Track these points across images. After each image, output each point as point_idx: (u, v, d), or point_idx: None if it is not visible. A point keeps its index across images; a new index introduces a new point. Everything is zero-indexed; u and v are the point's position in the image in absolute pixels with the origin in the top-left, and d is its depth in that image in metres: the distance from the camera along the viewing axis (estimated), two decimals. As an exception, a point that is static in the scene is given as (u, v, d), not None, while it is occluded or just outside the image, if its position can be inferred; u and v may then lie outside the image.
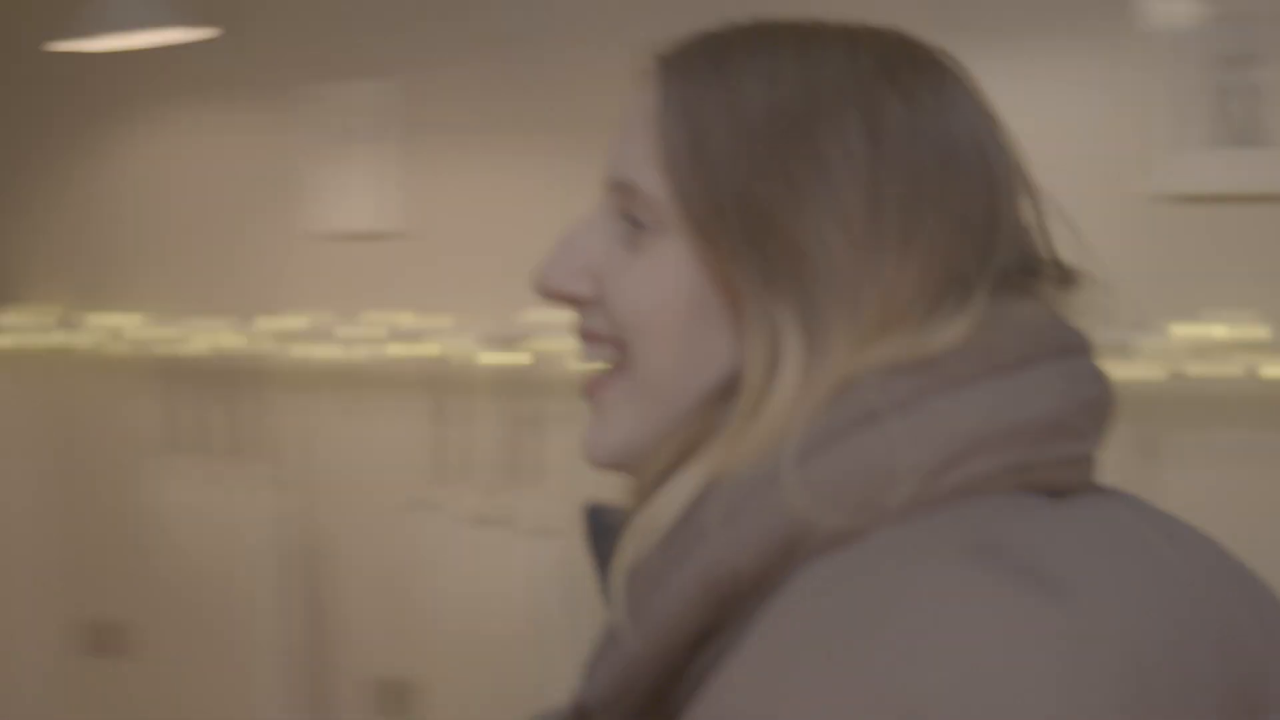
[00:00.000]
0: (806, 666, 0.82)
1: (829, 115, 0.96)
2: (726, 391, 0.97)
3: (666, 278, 0.99)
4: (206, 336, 4.05)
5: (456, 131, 3.71)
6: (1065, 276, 1.01)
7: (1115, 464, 1.07)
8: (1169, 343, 2.75)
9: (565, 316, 1.06)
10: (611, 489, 1.03)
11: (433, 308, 3.70)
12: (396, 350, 3.72)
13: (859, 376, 0.93)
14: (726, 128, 0.97)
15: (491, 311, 3.57)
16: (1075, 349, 0.99)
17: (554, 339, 3.39)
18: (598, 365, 1.03)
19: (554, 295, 1.04)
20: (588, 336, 1.04)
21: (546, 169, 3.54)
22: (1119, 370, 1.15)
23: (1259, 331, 2.71)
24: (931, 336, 0.94)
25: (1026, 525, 0.89)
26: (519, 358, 3.51)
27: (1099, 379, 0.99)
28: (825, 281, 0.94)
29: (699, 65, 1.00)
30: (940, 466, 0.90)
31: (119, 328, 4.24)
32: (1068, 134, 2.85)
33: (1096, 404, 0.98)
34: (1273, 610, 0.96)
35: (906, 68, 0.99)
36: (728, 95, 0.98)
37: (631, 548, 0.95)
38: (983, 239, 0.98)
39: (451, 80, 3.67)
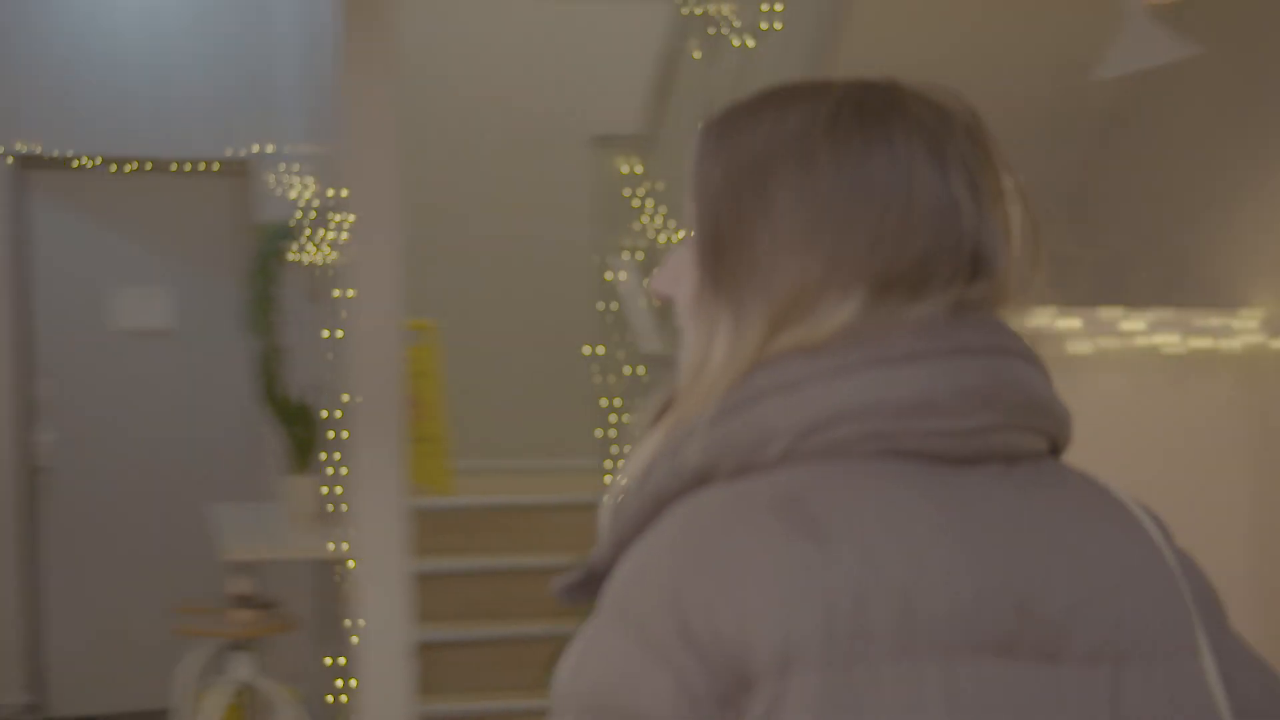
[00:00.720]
0: (633, 551, 1.30)
1: (777, 161, 1.35)
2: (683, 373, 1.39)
3: (692, 282, 1.41)
4: None
5: None
6: (993, 284, 1.35)
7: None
8: None
9: None
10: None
11: None
12: None
13: (766, 361, 1.32)
14: (719, 172, 1.38)
15: None
16: (970, 350, 1.31)
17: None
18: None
19: (655, 293, 1.47)
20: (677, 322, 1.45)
21: None
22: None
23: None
24: (817, 328, 1.31)
25: (835, 488, 1.26)
26: None
27: (987, 373, 1.31)
28: (753, 285, 1.34)
29: (720, 125, 1.41)
30: (806, 431, 1.28)
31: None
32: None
33: (976, 390, 1.29)
34: (1130, 587, 1.31)
35: (850, 121, 1.34)
36: (726, 148, 1.38)
37: (621, 476, 1.38)
38: (884, 254, 1.31)
39: None
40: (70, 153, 8.09)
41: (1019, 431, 1.33)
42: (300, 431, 7.32)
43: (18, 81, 8.02)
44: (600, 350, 7.15)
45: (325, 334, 5.65)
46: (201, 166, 8.15)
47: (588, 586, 1.39)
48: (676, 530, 1.28)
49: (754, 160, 1.36)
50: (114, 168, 8.17)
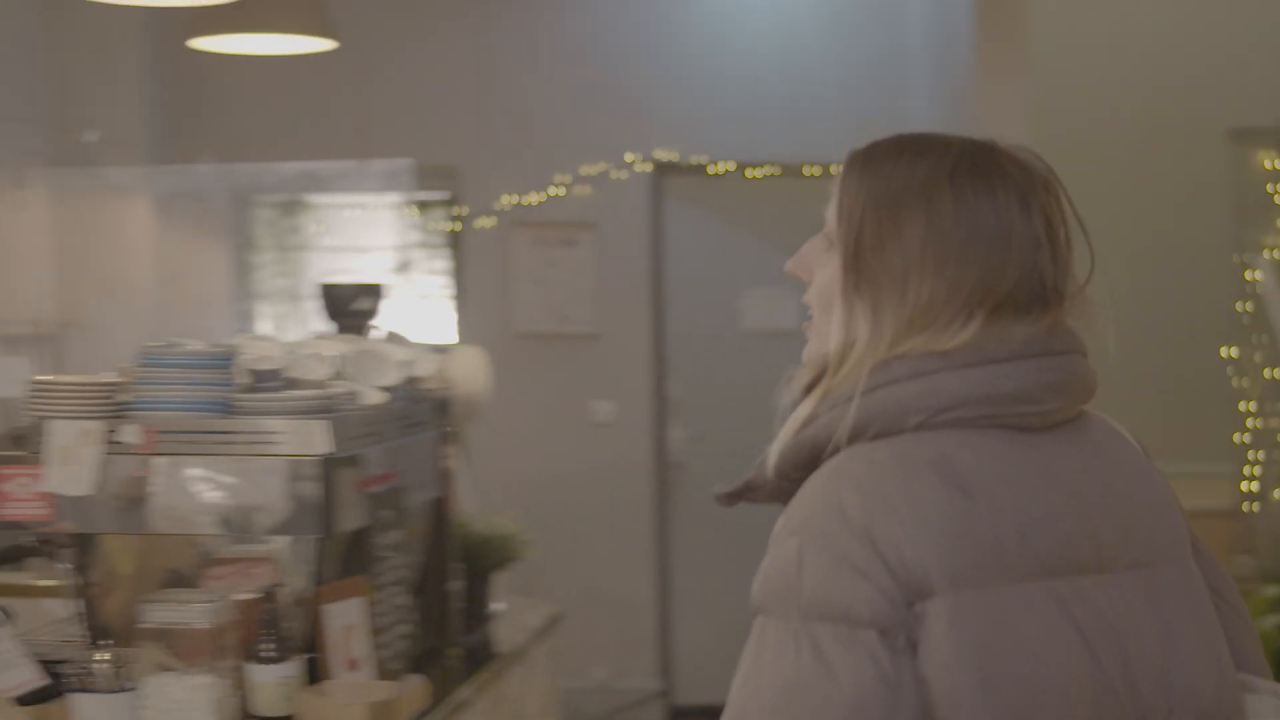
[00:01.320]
0: (829, 481, 1.81)
1: (910, 198, 1.87)
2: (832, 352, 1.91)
3: (831, 278, 1.93)
4: None
5: None
6: (1058, 305, 1.89)
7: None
8: None
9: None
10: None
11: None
12: None
13: (901, 354, 1.84)
14: (863, 196, 1.89)
15: None
16: (1049, 350, 1.86)
17: None
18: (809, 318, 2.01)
19: (790, 272, 2.03)
20: (805, 301, 2.00)
21: None
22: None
23: None
24: (949, 340, 1.83)
25: (977, 452, 1.81)
26: None
27: (1062, 371, 1.87)
28: (886, 293, 1.86)
29: (864, 158, 1.92)
30: (941, 408, 1.82)
31: None
32: None
33: (1055, 386, 1.86)
34: (1134, 505, 1.89)
35: (966, 173, 1.86)
36: (867, 181, 1.90)
37: (793, 419, 1.89)
38: (989, 281, 1.85)
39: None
40: (705, 159, 8.35)
41: (1074, 406, 1.91)
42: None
43: (659, 92, 8.33)
44: (1236, 352, 6.92)
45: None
46: (832, 170, 8.27)
47: (740, 496, 1.99)
48: (860, 478, 1.79)
49: (891, 193, 1.89)
50: (748, 173, 8.39)
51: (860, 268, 1.88)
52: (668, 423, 8.55)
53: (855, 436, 1.83)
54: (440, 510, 4.24)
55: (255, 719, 3.29)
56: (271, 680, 3.27)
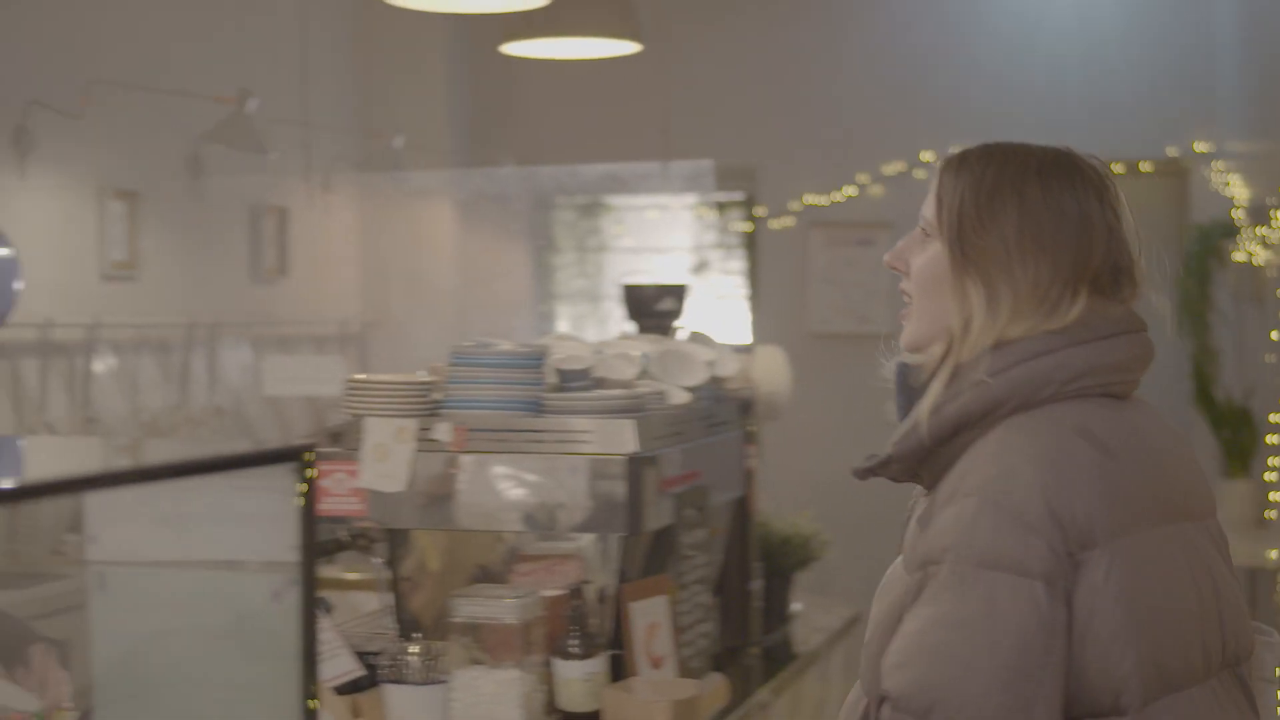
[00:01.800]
0: (1000, 451, 2.13)
1: (1001, 191, 2.22)
2: (953, 328, 2.23)
3: (930, 261, 2.28)
4: None
5: None
6: (1136, 287, 2.26)
7: None
8: None
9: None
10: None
11: None
12: None
13: (1020, 336, 2.19)
14: (960, 194, 2.24)
15: None
16: (1136, 328, 2.24)
17: None
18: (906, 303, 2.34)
19: (889, 265, 2.35)
20: (902, 290, 2.34)
21: None
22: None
23: None
24: (1062, 318, 2.19)
25: (1102, 417, 2.16)
26: None
27: (1146, 344, 2.24)
28: (995, 272, 2.20)
29: (957, 162, 2.27)
30: (1069, 379, 2.16)
31: None
32: None
33: (1141, 358, 2.24)
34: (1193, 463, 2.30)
35: (1050, 171, 2.22)
36: (963, 177, 2.24)
37: (931, 393, 2.22)
38: (1080, 260, 2.21)
39: None
40: (1003, 156, 8.23)
41: (1142, 376, 2.28)
42: (1235, 435, 7.15)
43: (955, 85, 8.25)
44: None
45: (1275, 335, 5.48)
46: (1139, 166, 8.09)
47: (875, 471, 2.32)
48: (1027, 448, 2.12)
49: (985, 186, 2.23)
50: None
51: (965, 249, 2.23)
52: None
53: (995, 409, 2.17)
54: (742, 509, 4.24)
55: (561, 714, 3.33)
56: (577, 676, 3.31)
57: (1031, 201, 2.20)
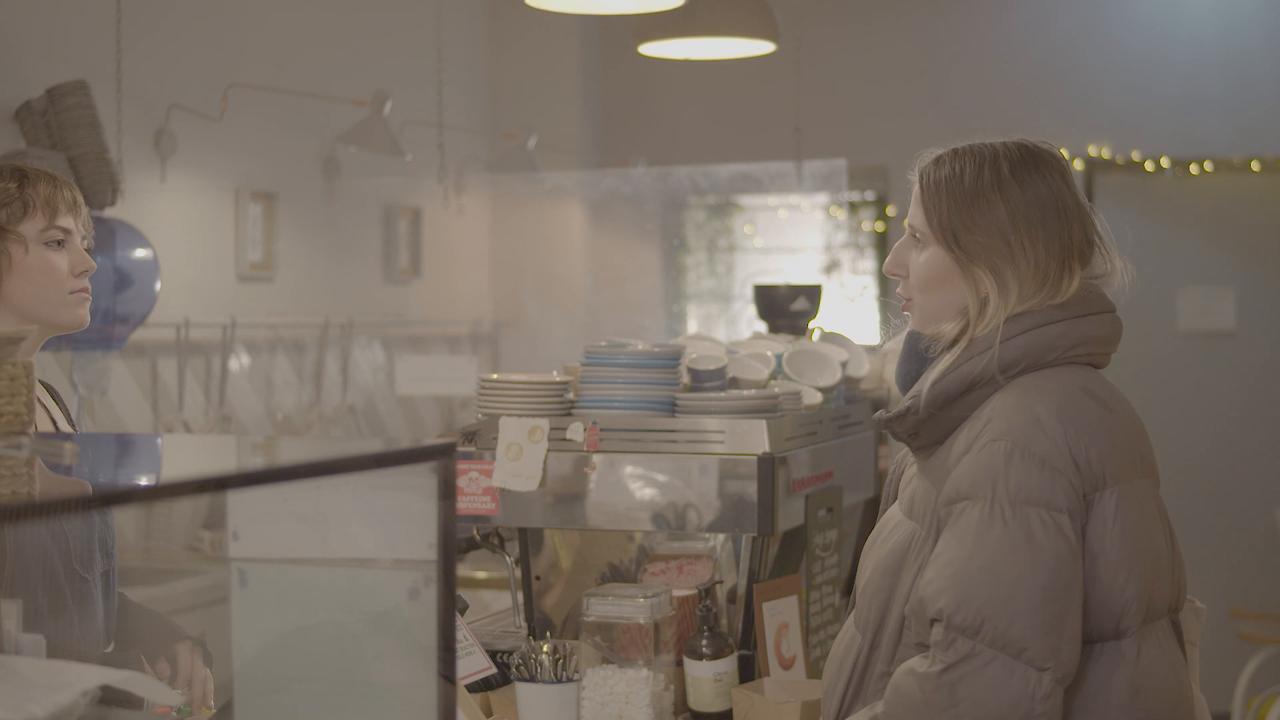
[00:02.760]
0: (1021, 403, 2.47)
1: (984, 191, 2.55)
2: (969, 310, 2.56)
3: (929, 263, 2.59)
4: None
5: None
6: (1107, 255, 2.62)
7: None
8: None
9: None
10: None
11: None
12: None
13: (1027, 310, 2.52)
14: (945, 200, 2.57)
15: None
16: (1113, 308, 2.59)
17: None
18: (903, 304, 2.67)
19: (889, 273, 2.66)
20: (899, 294, 2.66)
21: None
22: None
23: None
24: (1064, 293, 2.54)
25: (1096, 381, 2.54)
26: None
27: (1120, 323, 2.59)
28: (997, 258, 2.53)
29: (932, 167, 2.60)
30: (1069, 347, 2.52)
31: None
32: None
33: (1118, 334, 2.59)
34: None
35: (1018, 162, 2.56)
36: (944, 186, 2.57)
37: (941, 363, 2.55)
38: (1065, 237, 2.55)
39: None
40: (1138, 156, 8.14)
41: None
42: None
43: (1090, 86, 8.17)
44: None
45: None
46: (1278, 164, 7.97)
47: (898, 421, 2.60)
48: (1045, 401, 2.45)
49: (966, 184, 2.55)
50: (1186, 168, 8.15)
51: (966, 247, 2.55)
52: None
53: (1007, 370, 2.51)
54: (873, 510, 4.23)
55: (691, 714, 3.33)
56: (708, 676, 3.31)
57: (1012, 193, 2.54)
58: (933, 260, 2.59)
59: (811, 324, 4.68)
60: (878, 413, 2.72)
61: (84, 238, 3.08)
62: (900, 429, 2.62)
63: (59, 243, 3.02)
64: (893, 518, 2.67)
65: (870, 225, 8.58)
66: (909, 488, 2.66)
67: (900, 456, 2.82)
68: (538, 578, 3.67)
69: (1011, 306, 2.53)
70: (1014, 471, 2.41)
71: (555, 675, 3.20)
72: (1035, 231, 2.53)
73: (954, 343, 2.58)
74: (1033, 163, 2.58)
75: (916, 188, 2.63)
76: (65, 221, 3.02)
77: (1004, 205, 2.53)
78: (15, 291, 2.99)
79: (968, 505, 2.44)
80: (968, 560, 2.40)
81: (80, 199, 3.10)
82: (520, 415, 3.49)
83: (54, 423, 3.12)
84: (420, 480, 2.00)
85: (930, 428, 2.59)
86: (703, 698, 3.32)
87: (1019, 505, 2.40)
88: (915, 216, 2.62)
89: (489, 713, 3.26)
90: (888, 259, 2.69)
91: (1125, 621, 2.44)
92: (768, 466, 3.36)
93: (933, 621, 2.43)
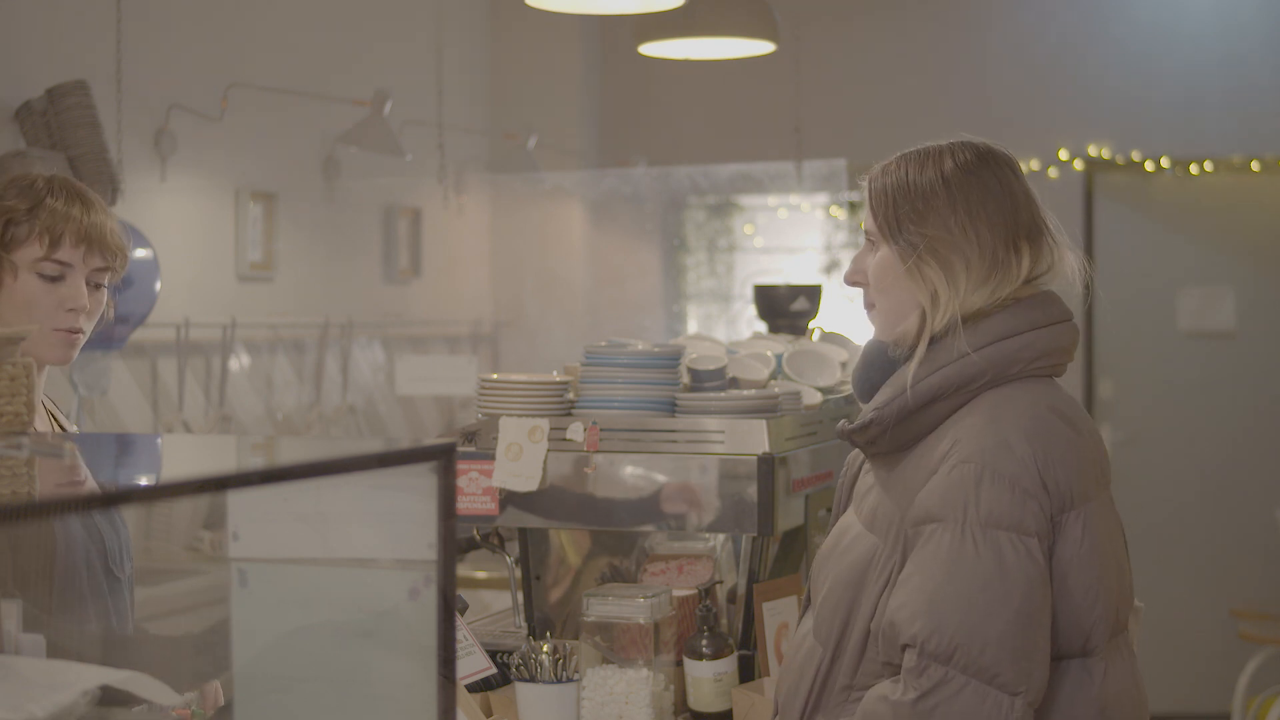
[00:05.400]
0: (991, 424, 2.46)
1: (928, 185, 2.57)
2: (923, 305, 2.54)
3: (881, 263, 2.60)
4: None
5: None
6: (1056, 246, 2.62)
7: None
8: None
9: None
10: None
11: None
12: None
13: (982, 300, 2.53)
14: (892, 198, 2.60)
15: None
16: (1069, 317, 2.60)
17: None
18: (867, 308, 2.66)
19: (849, 282, 2.67)
20: (866, 303, 2.65)
21: None
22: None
23: None
24: (1016, 276, 2.55)
25: (1061, 397, 2.54)
26: None
27: (1077, 332, 2.61)
28: (945, 252, 2.53)
29: (879, 172, 2.66)
30: (1032, 359, 2.52)
31: None
32: None
33: (1075, 343, 2.60)
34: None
35: (962, 156, 2.59)
36: (890, 187, 2.61)
37: (914, 361, 2.53)
38: (1010, 218, 2.56)
39: None
40: (1139, 156, 8.15)
41: None
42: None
43: (1090, 86, 8.17)
44: None
45: None
46: (1278, 163, 7.97)
47: (847, 435, 2.61)
48: (1016, 423, 2.45)
49: (910, 182, 2.59)
50: (1187, 168, 8.15)
51: (913, 241, 2.55)
52: (1099, 424, 8.36)
53: (971, 382, 2.50)
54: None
55: (692, 714, 3.33)
56: (708, 676, 3.31)
57: (955, 183, 2.56)
58: (882, 260, 2.60)
59: (811, 324, 4.68)
60: (840, 423, 2.67)
61: (102, 271, 2.94)
62: (860, 438, 2.60)
63: (55, 276, 2.88)
64: (850, 528, 2.64)
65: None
66: (867, 499, 2.63)
67: (849, 459, 2.81)
68: (537, 578, 3.67)
69: (964, 296, 2.52)
70: (984, 494, 2.41)
71: (555, 675, 3.20)
72: (978, 213, 2.54)
73: (917, 340, 2.56)
74: (977, 157, 2.60)
75: (867, 193, 2.66)
76: (67, 254, 2.88)
77: (946, 193, 2.55)
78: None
79: (938, 528, 2.43)
80: (940, 586, 2.40)
81: (109, 230, 2.95)
82: (520, 415, 3.49)
83: (62, 428, 3.10)
84: (420, 480, 2.00)
85: (889, 437, 2.56)
86: (703, 698, 3.32)
87: (989, 529, 2.39)
88: (866, 220, 2.66)
89: (489, 713, 3.26)
90: (848, 269, 2.70)
91: (1093, 640, 2.47)
92: (768, 466, 3.36)
93: (904, 647, 2.43)
